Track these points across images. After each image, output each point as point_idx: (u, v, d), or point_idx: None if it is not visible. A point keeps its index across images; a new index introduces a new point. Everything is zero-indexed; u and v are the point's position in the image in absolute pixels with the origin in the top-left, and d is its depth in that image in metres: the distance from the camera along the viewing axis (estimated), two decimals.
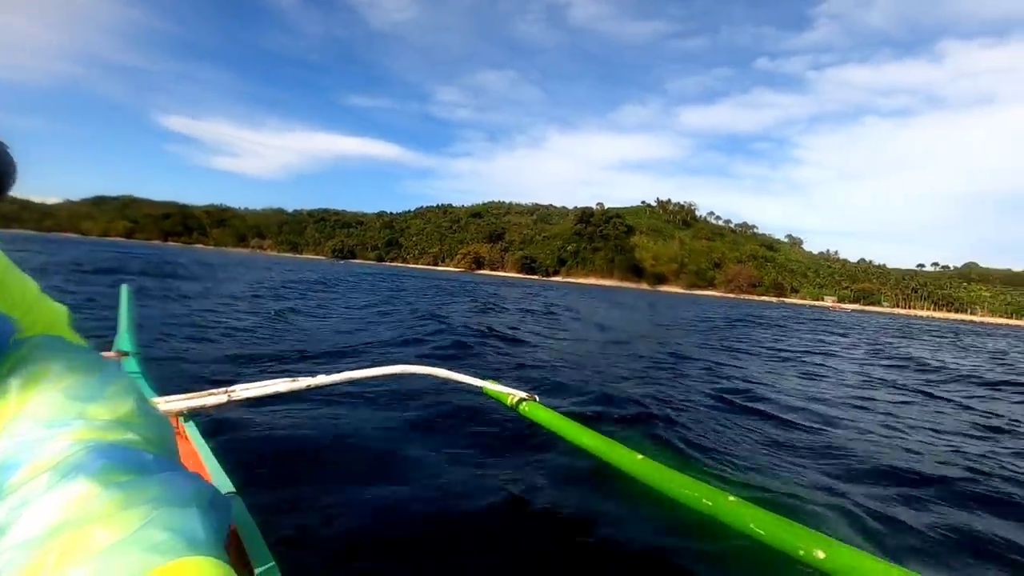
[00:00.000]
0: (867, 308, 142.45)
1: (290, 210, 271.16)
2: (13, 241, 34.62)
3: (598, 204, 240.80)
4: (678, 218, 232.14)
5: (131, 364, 2.61)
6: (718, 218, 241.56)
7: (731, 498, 1.17)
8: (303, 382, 2.04)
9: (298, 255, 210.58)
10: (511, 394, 2.17)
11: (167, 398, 1.93)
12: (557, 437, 1.79)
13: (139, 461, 0.41)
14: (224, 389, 1.97)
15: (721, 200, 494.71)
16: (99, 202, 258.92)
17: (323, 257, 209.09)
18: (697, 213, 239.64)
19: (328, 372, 2.19)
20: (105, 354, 2.43)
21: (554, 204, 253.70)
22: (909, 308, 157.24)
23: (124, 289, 3.52)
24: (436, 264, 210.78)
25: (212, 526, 0.38)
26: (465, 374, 2.33)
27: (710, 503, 1.20)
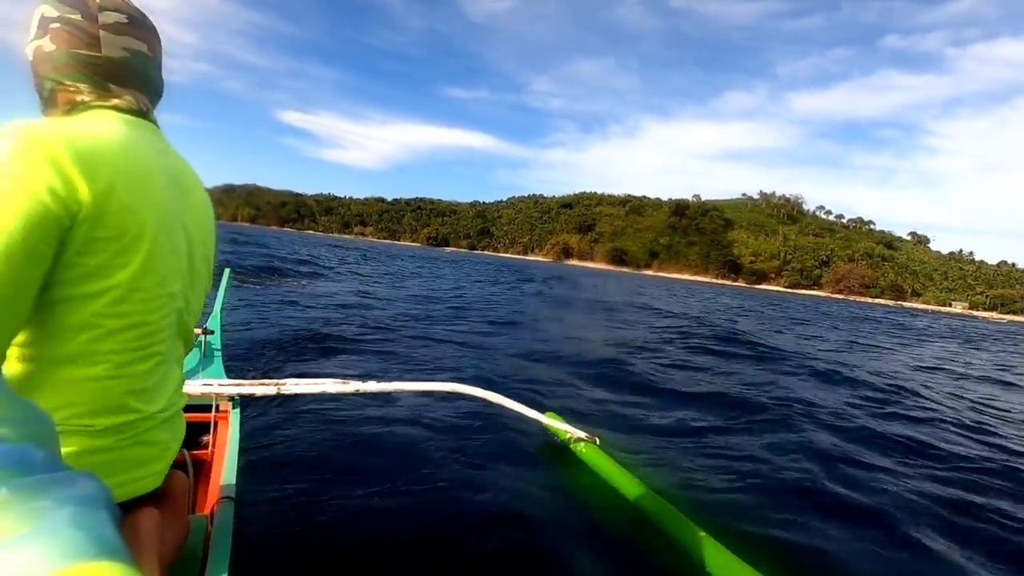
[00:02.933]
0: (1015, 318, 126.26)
1: (389, 199, 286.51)
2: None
3: (694, 196, 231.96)
4: (782, 212, 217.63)
5: (214, 341, 2.76)
6: (828, 213, 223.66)
7: None
8: (352, 386, 2.02)
9: (396, 242, 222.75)
10: (570, 432, 2.00)
11: (221, 381, 1.92)
12: (609, 488, 1.54)
13: (25, 459, 0.37)
14: (275, 382, 1.96)
15: (833, 193, 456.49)
16: (228, 190, 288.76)
17: (418, 244, 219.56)
18: (804, 207, 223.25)
19: (382, 379, 2.07)
20: (194, 331, 2.92)
21: (647, 195, 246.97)
22: None
23: (226, 272, 3.70)
24: (526, 254, 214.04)
25: (117, 530, 0.35)
26: (522, 403, 2.18)
27: None
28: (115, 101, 0.89)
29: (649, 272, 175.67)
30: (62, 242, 0.71)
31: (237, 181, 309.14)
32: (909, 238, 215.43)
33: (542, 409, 2.35)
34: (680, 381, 5.38)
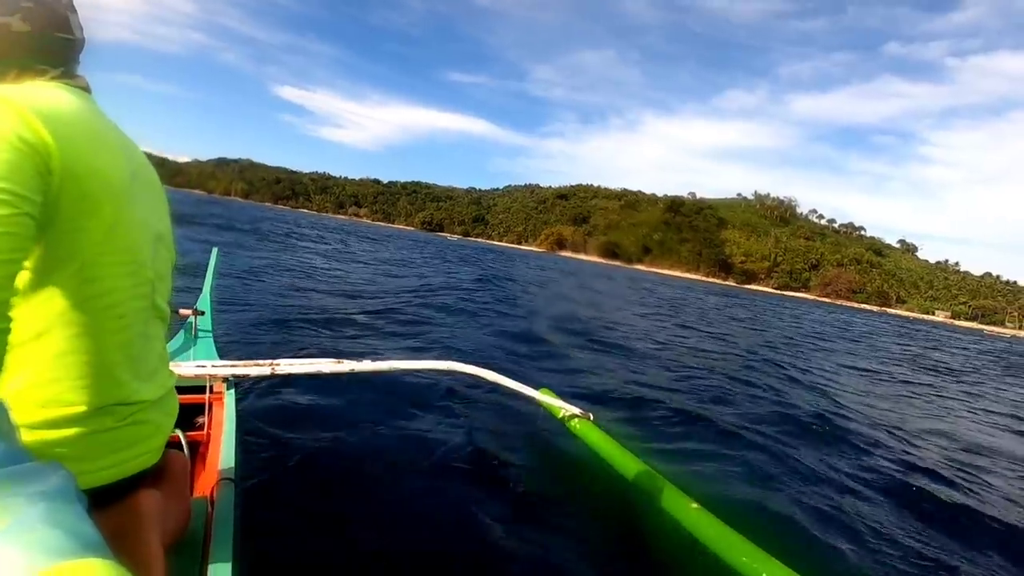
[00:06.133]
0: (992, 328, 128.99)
1: (385, 181, 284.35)
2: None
3: (690, 193, 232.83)
4: (775, 214, 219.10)
5: (205, 322, 2.75)
6: (820, 216, 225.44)
7: None
8: (347, 365, 2.02)
9: (391, 224, 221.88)
10: (564, 408, 2.06)
11: (214, 362, 1.92)
12: (603, 463, 1.58)
13: None
14: (269, 362, 1.97)
15: (826, 197, 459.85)
16: (221, 163, 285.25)
17: (413, 228, 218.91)
18: (797, 210, 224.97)
19: (376, 358, 2.10)
20: (182, 311, 2.69)
21: (643, 190, 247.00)
22: None
23: (214, 252, 3.64)
24: (519, 243, 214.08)
25: (93, 523, 0.33)
26: (518, 380, 2.23)
27: None
28: (74, 80, 0.89)
29: (641, 267, 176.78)
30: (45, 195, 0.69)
31: (231, 155, 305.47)
32: (898, 245, 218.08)
33: (536, 386, 2.40)
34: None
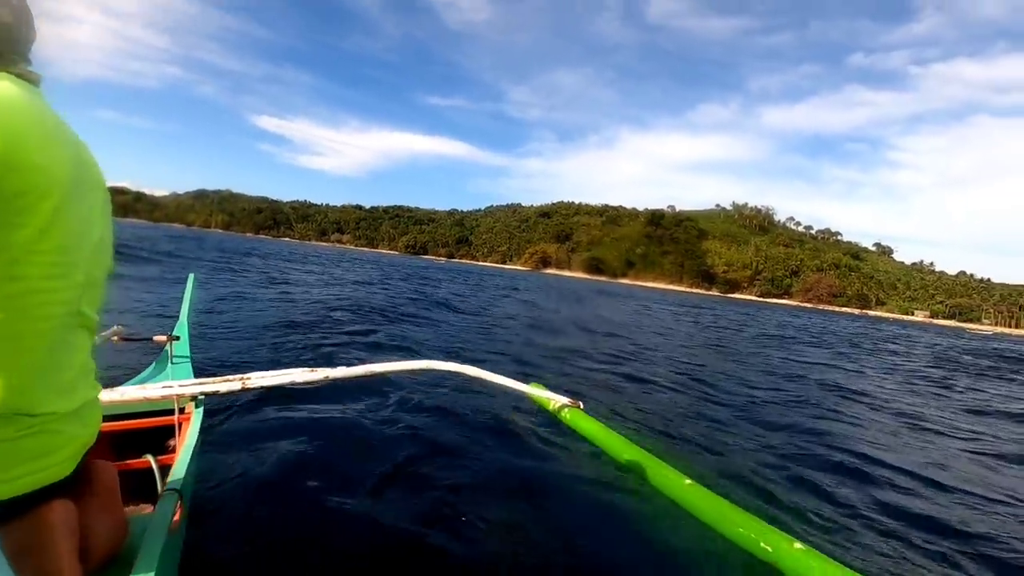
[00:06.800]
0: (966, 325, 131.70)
1: (367, 206, 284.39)
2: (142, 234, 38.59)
3: (669, 206, 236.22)
4: (754, 223, 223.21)
5: (181, 348, 2.71)
6: (798, 224, 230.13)
7: (798, 545, 1.02)
8: (321, 373, 1.98)
9: (374, 249, 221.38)
10: (554, 400, 2.08)
11: (182, 382, 1.90)
12: (598, 449, 1.68)
13: None
14: (240, 376, 1.92)
15: (802, 205, 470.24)
16: (200, 196, 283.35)
17: (397, 252, 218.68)
18: (775, 218, 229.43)
19: (351, 364, 2.09)
20: (157, 337, 2.72)
21: (624, 205, 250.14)
22: (1013, 327, 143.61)
23: (190, 278, 3.57)
24: (504, 263, 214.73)
25: None
26: (502, 375, 2.24)
27: (769, 548, 1.04)
28: (19, 69, 0.86)
29: (625, 281, 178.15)
30: None
31: (211, 187, 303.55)
32: (874, 249, 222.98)
33: (525, 380, 2.35)
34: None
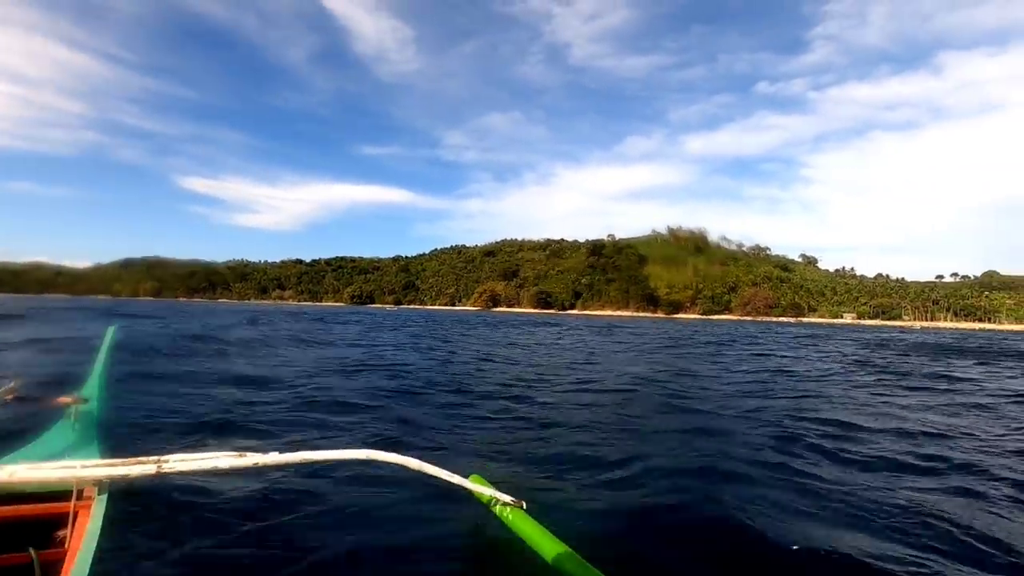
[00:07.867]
0: (889, 323, 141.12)
1: (308, 260, 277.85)
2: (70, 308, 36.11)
3: (609, 235, 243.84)
4: (690, 244, 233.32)
5: (91, 412, 2.40)
6: (730, 242, 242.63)
7: None
8: (251, 459, 1.83)
9: (318, 303, 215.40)
10: (495, 497, 1.96)
11: (85, 462, 1.65)
12: (536, 554, 1.52)
13: None
14: (155, 459, 1.74)
15: (733, 224, 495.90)
16: (127, 264, 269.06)
17: (342, 304, 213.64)
18: (709, 238, 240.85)
19: (285, 449, 1.95)
20: (62, 399, 2.37)
21: (566, 238, 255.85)
22: (929, 320, 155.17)
23: (109, 331, 3.28)
24: (453, 304, 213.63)
25: None
26: (442, 467, 2.09)
27: None
28: None
29: (574, 312, 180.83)
30: None
31: (137, 254, 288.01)
32: (800, 260, 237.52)
33: (465, 473, 2.24)
34: None
